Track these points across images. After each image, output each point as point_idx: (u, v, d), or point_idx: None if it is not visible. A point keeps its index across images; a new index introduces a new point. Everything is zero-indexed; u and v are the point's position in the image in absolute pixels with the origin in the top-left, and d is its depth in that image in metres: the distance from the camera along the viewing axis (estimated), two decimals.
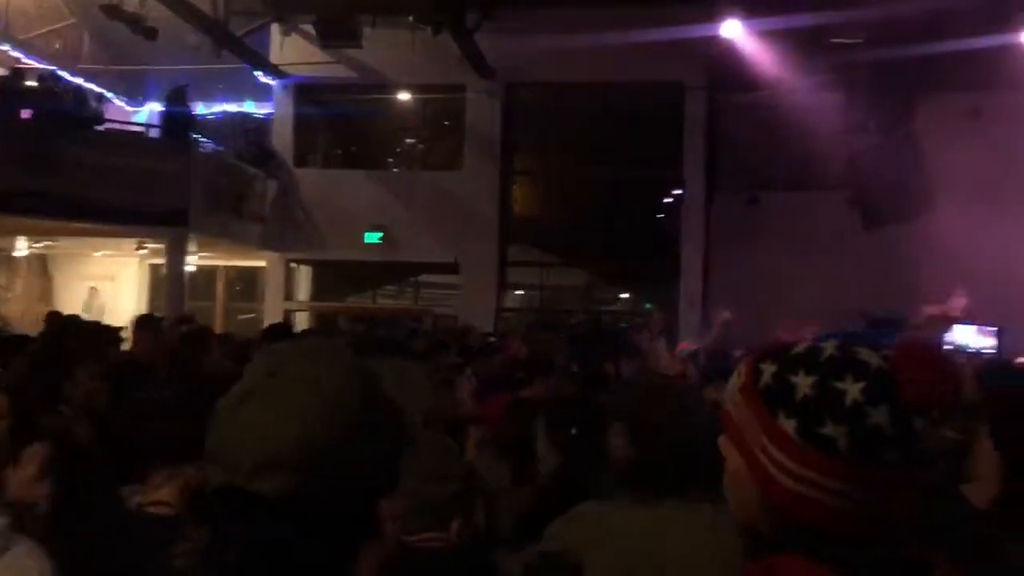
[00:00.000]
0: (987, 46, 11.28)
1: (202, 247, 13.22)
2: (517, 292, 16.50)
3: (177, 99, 12.95)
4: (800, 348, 1.25)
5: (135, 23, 12.14)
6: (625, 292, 16.98)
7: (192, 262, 12.94)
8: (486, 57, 14.13)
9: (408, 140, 16.64)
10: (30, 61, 14.28)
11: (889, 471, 1.16)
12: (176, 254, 12.59)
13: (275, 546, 1.04)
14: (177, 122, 12.73)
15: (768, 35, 12.35)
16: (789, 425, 1.18)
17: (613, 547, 2.10)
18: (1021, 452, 2.11)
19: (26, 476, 2.48)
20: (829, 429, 1.16)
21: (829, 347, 1.22)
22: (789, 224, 13.35)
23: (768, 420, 1.20)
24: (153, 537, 2.01)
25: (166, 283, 13.09)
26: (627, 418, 2.36)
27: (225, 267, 16.43)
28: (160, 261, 13.80)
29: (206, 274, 15.67)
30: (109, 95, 15.17)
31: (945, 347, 6.26)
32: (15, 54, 14.15)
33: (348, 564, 1.08)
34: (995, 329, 7.15)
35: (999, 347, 6.95)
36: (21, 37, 14.58)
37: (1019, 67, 11.80)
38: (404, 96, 15.83)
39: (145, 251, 14.65)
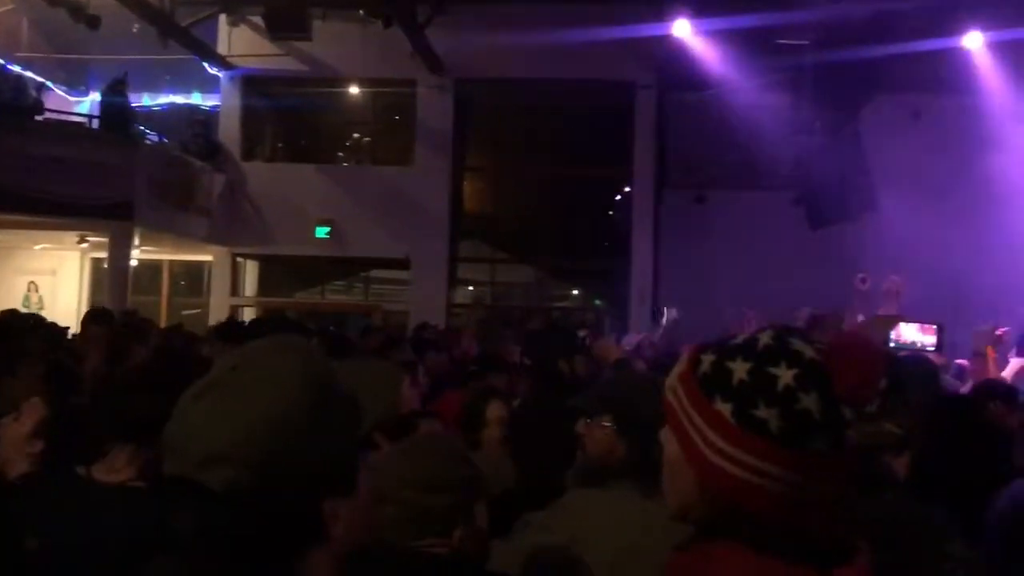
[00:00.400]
0: (928, 50, 11.59)
1: (146, 241, 12.96)
2: (468, 288, 16.49)
3: (116, 90, 12.66)
4: (739, 339, 1.30)
5: (77, 10, 11.82)
6: (575, 288, 17.07)
7: (136, 256, 12.69)
8: (437, 52, 14.08)
9: (357, 134, 16.51)
10: None
11: (819, 457, 1.20)
12: (119, 248, 12.33)
13: (220, 537, 1.05)
14: (116, 113, 12.45)
15: (717, 35, 12.51)
16: (725, 409, 1.23)
17: (602, 539, 2.09)
18: (926, 460, 2.19)
19: (22, 432, 2.38)
20: (762, 411, 1.20)
21: (765, 337, 1.27)
22: (736, 222, 13.53)
23: (705, 404, 1.24)
24: (139, 509, 2.01)
25: (108, 277, 12.81)
26: (618, 411, 2.34)
27: (170, 261, 16.12)
28: (102, 255, 13.50)
29: (150, 268, 15.37)
30: (50, 84, 14.79)
31: (888, 345, 6.41)
32: None
33: (294, 560, 1.08)
34: (936, 326, 7.31)
35: (939, 344, 7.12)
36: None
37: (958, 70, 12.15)
38: (354, 90, 15.69)
39: (87, 245, 14.33)
